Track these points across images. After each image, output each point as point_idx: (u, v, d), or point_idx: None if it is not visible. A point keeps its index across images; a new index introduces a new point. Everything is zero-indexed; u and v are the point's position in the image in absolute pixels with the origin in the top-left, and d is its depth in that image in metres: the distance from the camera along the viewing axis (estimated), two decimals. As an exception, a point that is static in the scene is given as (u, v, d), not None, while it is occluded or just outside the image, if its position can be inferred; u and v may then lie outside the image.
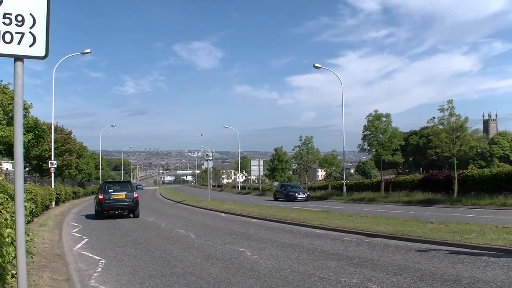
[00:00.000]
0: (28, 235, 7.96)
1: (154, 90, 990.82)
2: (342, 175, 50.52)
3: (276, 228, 19.11)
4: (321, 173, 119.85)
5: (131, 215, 27.11)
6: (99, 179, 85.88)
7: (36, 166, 45.69)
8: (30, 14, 4.96)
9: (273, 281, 8.93)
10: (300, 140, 59.12)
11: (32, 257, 9.31)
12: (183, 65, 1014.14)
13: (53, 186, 36.31)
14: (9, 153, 40.36)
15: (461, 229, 14.91)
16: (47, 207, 30.04)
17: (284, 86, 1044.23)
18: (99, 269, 10.78)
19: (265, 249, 13.16)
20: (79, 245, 15.23)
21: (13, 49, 4.91)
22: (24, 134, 35.14)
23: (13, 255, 5.78)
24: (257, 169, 71.97)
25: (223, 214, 27.69)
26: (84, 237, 17.22)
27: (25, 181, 25.98)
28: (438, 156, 55.46)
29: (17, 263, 5.08)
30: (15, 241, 5.32)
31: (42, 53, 5.05)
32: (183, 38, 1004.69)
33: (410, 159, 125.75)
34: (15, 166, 5.04)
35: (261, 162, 74.75)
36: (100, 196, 26.34)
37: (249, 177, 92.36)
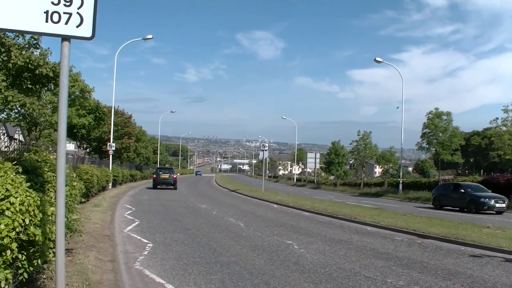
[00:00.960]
0: (72, 214, 8.05)
1: (215, 78, 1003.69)
2: (399, 172, 49.52)
3: (327, 222, 18.88)
4: (378, 170, 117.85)
5: (172, 187, 43.99)
6: (157, 163, 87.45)
7: (96, 148, 46.78)
8: (78, -5, 4.93)
9: (317, 276, 8.76)
10: (358, 135, 58.38)
11: (81, 236, 9.43)
12: (244, 54, 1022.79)
13: (110, 168, 37.07)
14: (70, 134, 41.49)
15: (520, 236, 14.31)
16: (103, 188, 30.70)
17: (345, 80, 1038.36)
18: (146, 253, 10.88)
19: (313, 243, 12.98)
20: (130, 227, 15.44)
21: (61, 29, 4.91)
22: (84, 116, 36.16)
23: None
24: (313, 161, 71.50)
25: (275, 205, 27.62)
26: (136, 220, 17.45)
27: (84, 161, 26.65)
28: (501, 158, 53.47)
29: (56, 241, 5.11)
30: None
31: (89, 34, 5.03)
32: (245, 27, 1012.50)
33: (471, 160, 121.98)
34: (58, 144, 5.05)
35: (318, 155, 74.21)
36: (154, 176, 45.64)
37: (305, 170, 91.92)
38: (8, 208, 5.24)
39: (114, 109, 42.22)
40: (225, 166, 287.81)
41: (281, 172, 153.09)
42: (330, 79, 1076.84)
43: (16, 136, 47.92)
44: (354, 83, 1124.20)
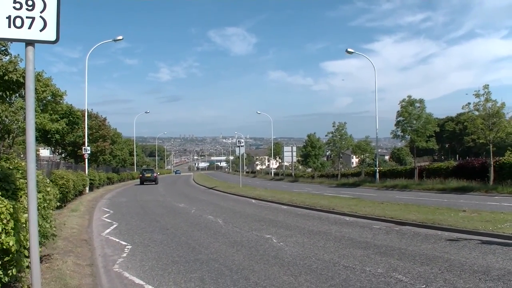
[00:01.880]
0: (45, 220, 7.99)
1: (189, 76, 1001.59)
2: (375, 161, 49.94)
3: (305, 215, 18.97)
4: (355, 160, 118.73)
5: (154, 183, 58.55)
6: (134, 165, 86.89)
7: (71, 152, 46.28)
8: (41, -2, 4.90)
9: (296, 269, 8.81)
10: (333, 126, 58.62)
11: (53, 239, 9.36)
12: (217, 51, 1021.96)
13: (86, 172, 36.78)
14: (45, 140, 40.99)
15: (495, 218, 14.54)
16: (80, 193, 30.47)
17: (319, 72, 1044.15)
18: (124, 255, 10.83)
19: (291, 236, 13.05)
20: (108, 230, 15.35)
21: (24, 33, 4.88)
22: (57, 120, 35.75)
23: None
24: (290, 155, 71.77)
25: (253, 201, 27.66)
26: (114, 223, 17.36)
27: (59, 167, 26.39)
28: (475, 143, 54.19)
29: (30, 248, 5.08)
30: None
31: (53, 38, 5.00)
32: (217, 24, 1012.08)
33: (446, 146, 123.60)
34: (27, 151, 5.02)
35: (294, 149, 74.49)
36: (140, 175, 61.30)
37: (283, 163, 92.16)
38: (-21, 218, 5.19)
39: (87, 112, 41.87)
40: (202, 164, 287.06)
41: (258, 167, 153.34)
42: (304, 72, 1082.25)
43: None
44: (328, 75, 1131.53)
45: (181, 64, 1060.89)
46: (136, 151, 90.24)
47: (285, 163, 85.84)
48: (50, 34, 4.97)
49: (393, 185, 39.39)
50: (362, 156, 66.58)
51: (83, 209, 21.43)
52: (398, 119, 41.48)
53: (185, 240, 12.83)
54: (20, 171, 7.83)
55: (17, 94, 22.49)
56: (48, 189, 8.82)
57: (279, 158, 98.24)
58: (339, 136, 57.98)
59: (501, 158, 34.28)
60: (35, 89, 30.35)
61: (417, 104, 40.70)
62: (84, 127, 40.50)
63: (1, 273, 5.46)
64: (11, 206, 5.70)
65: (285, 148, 75.56)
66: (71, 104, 42.79)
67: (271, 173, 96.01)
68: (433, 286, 7.38)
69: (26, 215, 5.94)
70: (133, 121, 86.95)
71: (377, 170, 45.98)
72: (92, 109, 51.82)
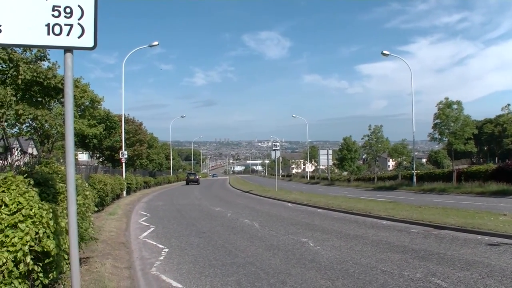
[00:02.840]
0: (85, 223, 8.11)
1: (223, 80, 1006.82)
2: (412, 164, 49.27)
3: (341, 218, 18.84)
4: (391, 163, 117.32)
5: (197, 183, 72.15)
6: (170, 169, 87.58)
7: (108, 157, 46.97)
8: (78, 6, 4.99)
9: (333, 273, 8.75)
10: (369, 129, 58.13)
11: (96, 241, 9.49)
12: (251, 55, 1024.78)
13: (124, 176, 37.24)
14: (83, 144, 41.71)
15: (537, 221, 14.20)
16: (118, 196, 30.85)
17: (354, 75, 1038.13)
18: (162, 258, 10.93)
19: (328, 240, 12.96)
20: (145, 233, 15.51)
21: (63, 40, 4.96)
22: (95, 125, 36.32)
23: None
24: (325, 158, 71.45)
25: (289, 204, 27.59)
26: (151, 226, 17.53)
27: (97, 171, 26.79)
28: (515, 145, 53.06)
29: (70, 251, 5.15)
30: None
31: (91, 44, 5.08)
32: (251, 28, 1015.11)
33: (485, 148, 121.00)
34: (66, 155, 5.10)
35: (330, 152, 74.08)
36: (186, 177, 77.11)
37: (318, 167, 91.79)
38: (21, 221, 5.30)
39: (124, 117, 42.47)
40: (238, 168, 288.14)
41: (294, 171, 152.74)
42: (339, 75, 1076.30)
43: (29, 149, 48.31)
44: (362, 78, 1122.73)
45: (216, 68, 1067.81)
46: (172, 155, 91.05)
47: (321, 167, 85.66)
48: (88, 40, 5.05)
49: (431, 188, 38.81)
50: (399, 159, 65.72)
51: (120, 213, 21.69)
52: (435, 122, 40.86)
53: (221, 244, 12.86)
54: (59, 176, 7.97)
55: (56, 100, 22.96)
56: (87, 193, 8.96)
57: (315, 161, 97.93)
58: (375, 139, 57.45)
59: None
60: (74, 95, 30.94)
61: (455, 106, 40.03)
62: (121, 132, 41.07)
63: (42, 275, 5.56)
64: (52, 210, 5.81)
65: (321, 152, 75.24)
66: (108, 110, 43.54)
67: (306, 177, 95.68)
68: (474, 291, 7.24)
69: (66, 219, 6.04)
70: (169, 126, 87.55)
71: (414, 173, 45.34)
72: (128, 114, 52.67)
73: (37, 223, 5.40)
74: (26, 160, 8.77)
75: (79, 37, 5.00)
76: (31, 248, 5.27)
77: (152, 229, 16.73)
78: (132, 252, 11.81)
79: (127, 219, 19.78)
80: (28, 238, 5.22)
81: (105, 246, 11.73)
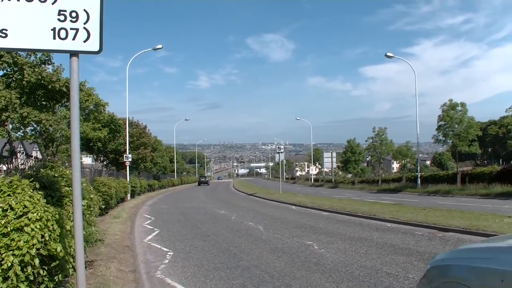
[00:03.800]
0: (90, 227, 8.12)
1: (228, 83, 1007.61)
2: (417, 167, 49.20)
3: (346, 221, 18.82)
4: (395, 165, 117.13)
5: (207, 184, 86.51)
6: (174, 172, 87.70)
7: (113, 160, 47.05)
8: (84, 10, 5.02)
9: (338, 276, 8.75)
10: (373, 132, 58.03)
11: (102, 243, 9.51)
12: (255, 58, 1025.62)
13: (128, 179, 37.29)
14: (87, 148, 41.80)
15: (542, 223, 14.16)
16: (122, 199, 30.89)
17: (358, 77, 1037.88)
18: (166, 261, 10.95)
19: (333, 243, 12.95)
20: (150, 237, 15.54)
21: (68, 44, 4.99)
22: (99, 129, 36.37)
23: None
24: (329, 161, 71.28)
25: (293, 207, 27.58)
26: (155, 229, 17.55)
27: (101, 174, 26.83)
28: (520, 146, 52.90)
29: (75, 254, 5.17)
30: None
31: (97, 48, 5.10)
32: (255, 31, 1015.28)
33: (489, 150, 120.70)
34: (72, 158, 5.12)
35: (334, 154, 73.87)
36: (198, 180, 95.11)
37: (322, 169, 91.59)
38: (27, 225, 5.32)
39: (128, 120, 42.49)
40: (242, 171, 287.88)
41: (298, 173, 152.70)
42: (343, 77, 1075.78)
43: (33, 153, 48.40)
44: (367, 80, 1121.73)
45: (220, 71, 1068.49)
46: (176, 158, 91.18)
47: (325, 169, 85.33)
48: (93, 44, 5.07)
49: (435, 190, 38.73)
50: (403, 161, 65.63)
51: (125, 216, 21.72)
52: (440, 124, 40.79)
53: (226, 247, 12.87)
54: (64, 179, 7.99)
55: (60, 104, 23.02)
56: (92, 196, 8.99)
57: (319, 164, 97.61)
58: (379, 141, 57.34)
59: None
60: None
61: (459, 108, 39.93)
62: (126, 135, 41.12)
63: (47, 279, 5.57)
64: (57, 213, 5.83)
65: (325, 154, 75.05)
66: (112, 113, 43.68)
67: (311, 179, 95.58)
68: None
69: (71, 222, 6.06)
70: (173, 129, 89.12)
71: (419, 176, 45.28)
72: (133, 117, 52.69)
73: (42, 227, 5.41)
74: (31, 164, 8.80)
75: (84, 41, 5.02)
76: (37, 251, 5.29)
77: (156, 232, 16.75)
78: (137, 256, 11.83)
79: (132, 223, 19.81)
80: (34, 241, 5.24)
81: (110, 249, 11.74)
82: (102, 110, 29.65)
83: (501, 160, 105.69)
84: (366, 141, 60.46)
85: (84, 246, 6.47)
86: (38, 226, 5.37)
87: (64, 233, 5.87)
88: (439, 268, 4.38)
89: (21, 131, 23.29)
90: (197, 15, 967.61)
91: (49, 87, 20.20)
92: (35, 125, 22.51)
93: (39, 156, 27.25)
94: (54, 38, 4.96)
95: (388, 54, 45.25)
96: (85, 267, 5.52)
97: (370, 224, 17.40)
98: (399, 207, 22.52)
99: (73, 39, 4.99)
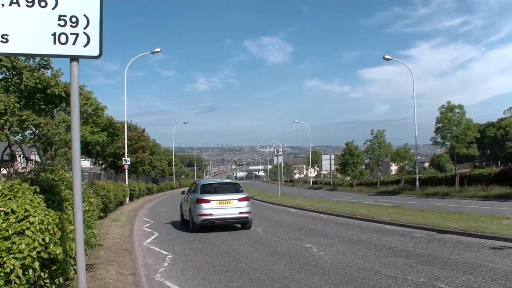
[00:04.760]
0: (90, 229, 8.15)
1: (225, 86, 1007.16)
2: (415, 169, 49.27)
3: (345, 223, 18.86)
4: (394, 167, 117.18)
5: None
6: (173, 175, 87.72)
7: (111, 163, 47.11)
8: (84, 15, 5.07)
9: (337, 278, 8.78)
10: (371, 134, 58.14)
11: (98, 251, 9.54)
12: (253, 61, 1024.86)
13: (127, 183, 37.30)
14: (84, 151, 41.83)
15: (540, 225, 14.20)
16: (121, 203, 30.90)
17: (356, 79, 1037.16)
18: (166, 264, 10.97)
19: (332, 245, 12.99)
20: (149, 239, 15.56)
21: (69, 49, 5.05)
22: (98, 133, 36.42)
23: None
24: (328, 163, 71.40)
25: (292, 210, 27.62)
26: (155, 232, 17.57)
27: (100, 178, 26.85)
28: (518, 148, 52.99)
29: (76, 257, 5.21)
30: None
31: (96, 53, 5.15)
32: (253, 34, 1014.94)
33: (488, 152, 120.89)
34: (72, 162, 5.16)
35: (332, 157, 74.01)
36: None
37: (321, 172, 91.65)
38: (28, 228, 5.36)
39: (127, 124, 42.53)
40: (240, 174, 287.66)
41: (297, 176, 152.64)
42: (341, 80, 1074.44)
43: (32, 156, 48.38)
44: (365, 82, 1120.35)
45: (218, 74, 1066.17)
46: (174, 161, 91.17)
47: (324, 172, 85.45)
48: (93, 49, 5.12)
49: (434, 192, 38.77)
50: (401, 163, 65.82)
51: (124, 219, 21.72)
52: (438, 126, 40.85)
53: (225, 250, 12.90)
54: (64, 183, 8.02)
55: (59, 108, 23.06)
56: (91, 199, 9.03)
57: (317, 166, 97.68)
58: (378, 144, 57.45)
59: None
60: (77, 102, 31.07)
61: (457, 110, 39.99)
62: (124, 139, 41.17)
63: (48, 281, 5.60)
64: (57, 217, 5.86)
65: (323, 157, 75.17)
66: (111, 116, 43.75)
67: (309, 182, 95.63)
68: (478, 295, 7.27)
69: (71, 225, 6.10)
70: (171, 132, 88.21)
71: (417, 178, 45.36)
72: (131, 121, 52.75)
73: (43, 230, 5.45)
74: (31, 168, 8.83)
75: (84, 46, 5.08)
76: (38, 254, 5.32)
77: (155, 235, 16.77)
78: (136, 259, 11.84)
79: (131, 226, 19.83)
80: (35, 244, 5.28)
81: (109, 253, 11.76)
82: (101, 114, 29.72)
83: (499, 162, 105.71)
84: (364, 143, 60.66)
85: (85, 249, 6.50)
86: (39, 230, 5.41)
87: (64, 237, 5.91)
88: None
89: (20, 134, 23.35)
90: (195, 18, 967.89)
91: (48, 91, 20.24)
92: (33, 129, 22.56)
93: (38, 160, 27.30)
94: (55, 43, 5.02)
95: (386, 56, 45.35)
96: (85, 270, 5.55)
97: (368, 227, 17.44)
98: (398, 209, 22.57)
99: (73, 44, 5.04)
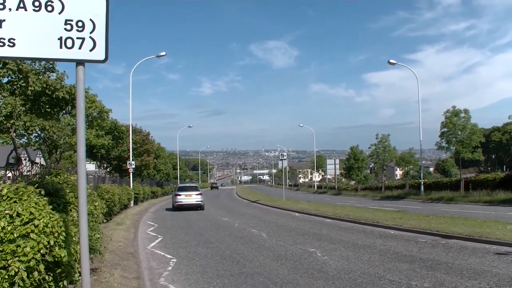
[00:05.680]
0: (95, 233, 8.17)
1: (231, 90, 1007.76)
2: (420, 173, 49.18)
3: (349, 228, 18.83)
4: (398, 172, 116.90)
5: (217, 189, 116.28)
6: (177, 178, 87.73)
7: (116, 167, 47.19)
8: (90, 20, 5.10)
9: (341, 283, 8.77)
10: (376, 138, 58.12)
11: (103, 255, 9.56)
12: (258, 65, 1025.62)
13: (131, 186, 37.36)
14: (89, 155, 41.92)
15: (545, 231, 14.15)
16: (125, 206, 30.95)
17: (361, 83, 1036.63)
18: (170, 268, 10.97)
19: (336, 250, 12.97)
20: (153, 243, 15.56)
21: (75, 54, 5.07)
22: (103, 136, 36.47)
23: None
24: (333, 168, 71.33)
25: (297, 214, 27.58)
26: (159, 236, 17.58)
27: (105, 181, 26.90)
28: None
29: (80, 260, 5.22)
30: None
31: (102, 57, 5.18)
32: (258, 38, 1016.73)
33: (493, 156, 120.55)
34: (78, 166, 5.18)
35: (337, 161, 73.93)
36: (210, 185, 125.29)
37: (325, 176, 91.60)
38: (32, 231, 5.38)
39: (132, 127, 42.63)
40: (245, 178, 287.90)
41: (301, 180, 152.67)
42: (346, 84, 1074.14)
43: (37, 159, 48.50)
44: (370, 86, 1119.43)
45: (223, 78, 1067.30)
46: (179, 165, 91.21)
47: (328, 176, 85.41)
48: (99, 53, 5.16)
49: (439, 197, 38.70)
50: (406, 168, 65.56)
51: (128, 223, 21.75)
52: (443, 130, 40.81)
53: (229, 254, 12.90)
54: (69, 186, 8.04)
55: (64, 111, 23.14)
56: (96, 203, 9.04)
57: (322, 171, 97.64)
58: (383, 148, 57.43)
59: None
60: (82, 105, 31.20)
61: (462, 115, 39.97)
62: (129, 142, 41.26)
63: (53, 284, 5.63)
64: (62, 220, 5.89)
65: (328, 161, 75.10)
66: (115, 119, 43.81)
67: (314, 186, 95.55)
68: (482, 300, 7.24)
69: (76, 228, 6.12)
70: (176, 136, 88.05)
71: (422, 182, 45.28)
72: (136, 124, 52.87)
73: (48, 233, 5.47)
74: (36, 171, 8.86)
75: (90, 50, 5.11)
76: (43, 257, 5.35)
77: (160, 239, 16.78)
78: (141, 262, 11.85)
79: (135, 229, 19.85)
80: (40, 247, 5.30)
81: (114, 256, 11.79)
82: (106, 117, 29.81)
83: (504, 166, 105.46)
84: (369, 148, 60.71)
85: (90, 253, 6.52)
86: (44, 233, 5.44)
87: (69, 240, 5.93)
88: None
89: (25, 137, 23.42)
90: (201, 22, 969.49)
91: (53, 95, 20.32)
92: (39, 132, 22.63)
93: (43, 163, 27.37)
94: (61, 47, 5.05)
95: (391, 61, 45.37)
96: (90, 274, 5.57)
97: (373, 231, 17.41)
98: (402, 214, 22.50)
99: (79, 48, 5.07)
